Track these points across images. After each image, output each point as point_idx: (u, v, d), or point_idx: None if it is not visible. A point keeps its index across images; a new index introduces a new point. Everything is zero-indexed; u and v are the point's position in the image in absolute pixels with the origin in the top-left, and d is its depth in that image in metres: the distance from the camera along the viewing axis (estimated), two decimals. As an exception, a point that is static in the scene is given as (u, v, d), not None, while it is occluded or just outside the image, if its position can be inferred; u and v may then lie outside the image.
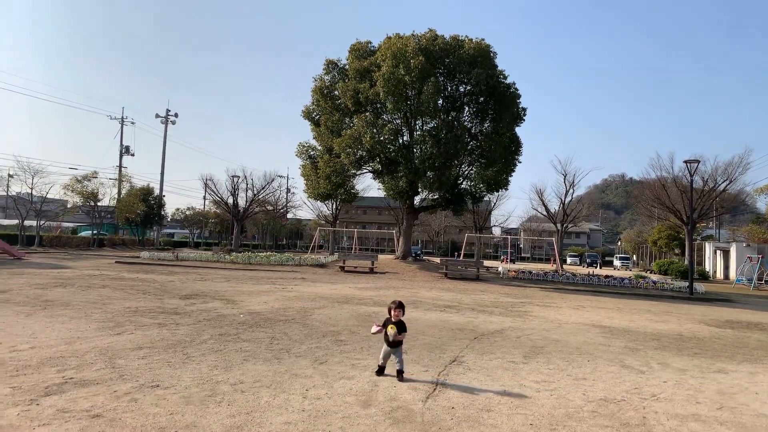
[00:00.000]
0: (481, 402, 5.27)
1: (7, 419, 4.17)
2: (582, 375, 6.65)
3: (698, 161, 23.88)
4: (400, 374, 5.89)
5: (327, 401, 5.03)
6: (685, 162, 23.80)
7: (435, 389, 5.63)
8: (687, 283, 23.68)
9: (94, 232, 44.94)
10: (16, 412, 4.33)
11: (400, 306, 6.04)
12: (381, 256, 34.64)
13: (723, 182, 38.47)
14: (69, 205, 46.31)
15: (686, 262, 34.68)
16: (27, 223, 38.12)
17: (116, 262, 26.68)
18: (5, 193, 42.32)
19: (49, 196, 40.24)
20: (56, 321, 8.65)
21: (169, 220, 63.60)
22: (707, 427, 4.87)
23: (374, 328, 6.03)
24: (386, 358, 6.04)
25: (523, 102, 34.56)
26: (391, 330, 5.86)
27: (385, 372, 6.04)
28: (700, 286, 24.79)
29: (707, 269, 42.12)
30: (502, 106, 28.17)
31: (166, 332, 8.10)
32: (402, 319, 5.99)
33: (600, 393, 5.83)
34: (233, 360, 6.50)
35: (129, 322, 8.81)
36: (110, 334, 7.73)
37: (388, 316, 6.04)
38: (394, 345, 5.91)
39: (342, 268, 27.21)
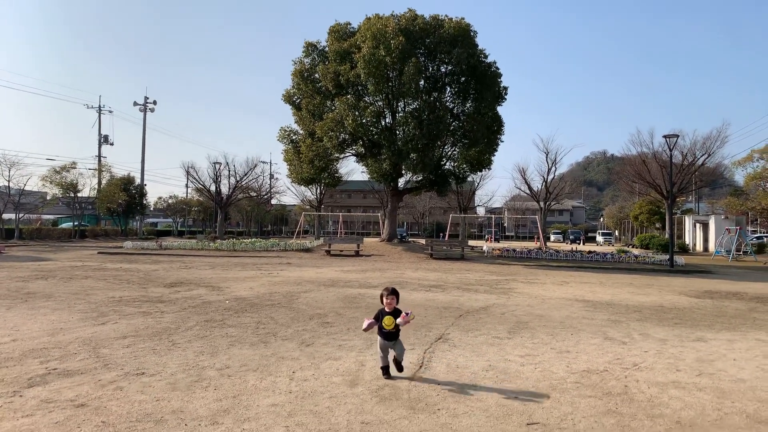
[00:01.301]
0: (467, 377, 5.33)
1: (-11, 411, 4.12)
2: (565, 348, 6.75)
3: (677, 136, 24.14)
4: (399, 366, 5.30)
5: (314, 382, 5.06)
6: (665, 137, 24.06)
7: (421, 367, 5.68)
8: (668, 257, 24.10)
9: (75, 223, 44.31)
10: (0, 404, 4.29)
11: (393, 293, 5.36)
12: (367, 239, 34.67)
13: (701, 156, 39.03)
14: (48, 197, 45.56)
15: (667, 235, 35.26)
16: (5, 216, 37.48)
17: (99, 252, 26.38)
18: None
19: (27, 188, 39.56)
20: (38, 313, 8.55)
21: (151, 209, 62.95)
22: (687, 393, 4.99)
23: (365, 323, 5.25)
24: (386, 352, 5.33)
25: (505, 81, 34.67)
26: (389, 321, 5.18)
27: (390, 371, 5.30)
28: (680, 259, 25.25)
29: (687, 242, 42.86)
30: (484, 85, 28.15)
31: (151, 320, 8.06)
32: (398, 307, 5.34)
33: (583, 365, 5.93)
34: (219, 345, 6.49)
35: (113, 312, 8.75)
36: (94, 324, 7.66)
37: (382, 305, 5.33)
38: (392, 337, 5.23)
39: (328, 252, 27.20)
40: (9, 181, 38.08)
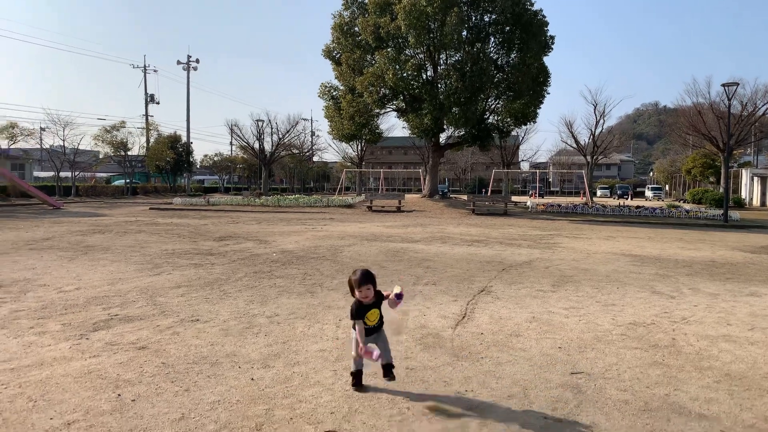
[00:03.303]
0: (510, 328, 5.37)
1: (60, 352, 4.44)
2: (611, 301, 6.68)
3: (737, 84, 22.79)
4: (389, 370, 3.68)
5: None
6: (723, 85, 22.74)
7: (464, 317, 5.75)
8: (721, 212, 23.18)
9: (127, 180, 45.94)
10: (68, 346, 4.60)
11: (367, 279, 3.70)
12: (408, 196, 34.66)
13: (763, 106, 36.81)
14: (101, 156, 47.24)
15: (721, 190, 33.81)
16: (62, 174, 39.11)
17: (150, 208, 27.38)
18: (39, 146, 43.36)
19: (80, 147, 41.07)
20: (98, 264, 9.01)
21: (198, 166, 64.52)
22: (738, 346, 4.89)
23: (357, 344, 3.69)
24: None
25: (552, 29, 33.17)
26: (374, 316, 3.74)
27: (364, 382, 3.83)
28: (735, 214, 24.24)
29: (743, 197, 41.03)
30: (529, 34, 27.07)
31: (203, 272, 8.39)
32: (379, 290, 3.80)
33: (629, 318, 5.87)
34: (268, 295, 6.72)
35: (166, 264, 9.13)
36: (149, 275, 8.04)
37: (355, 297, 3.76)
38: (375, 330, 3.78)
39: (369, 207, 27.39)
40: (64, 140, 39.61)
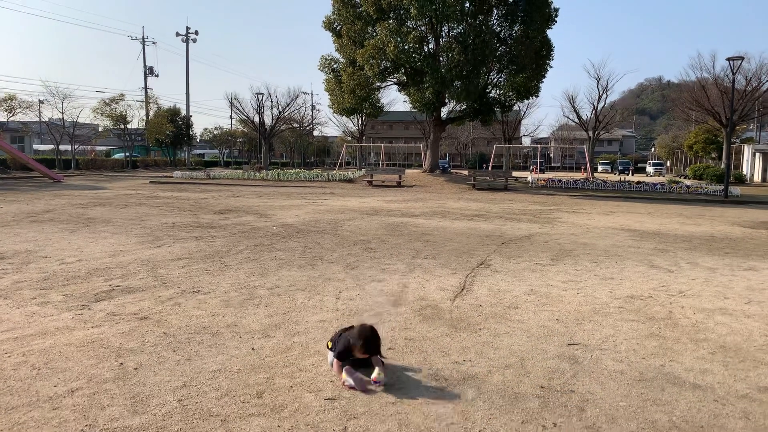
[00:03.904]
0: (508, 300, 5.41)
1: (63, 322, 4.49)
2: (609, 275, 6.72)
3: (742, 58, 22.51)
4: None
5: (359, 302, 5.24)
6: (728, 59, 22.47)
7: (463, 290, 5.79)
8: (722, 187, 23.14)
9: (127, 154, 45.78)
10: (71, 316, 4.65)
11: (372, 348, 3.51)
12: (408, 171, 34.55)
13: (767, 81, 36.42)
14: (100, 129, 46.98)
15: (723, 165, 33.71)
16: (62, 147, 38.94)
17: (150, 182, 27.34)
18: (38, 119, 43.09)
19: (79, 120, 40.81)
20: (99, 236, 9.05)
21: (198, 140, 64.17)
22: (734, 319, 4.93)
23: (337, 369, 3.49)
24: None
25: (555, 1, 32.64)
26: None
27: None
28: (735, 189, 24.22)
29: (744, 173, 40.92)
30: (533, 6, 26.62)
31: (203, 244, 8.42)
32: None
33: (627, 291, 5.91)
34: (269, 267, 6.76)
35: (167, 236, 9.17)
36: (150, 247, 8.07)
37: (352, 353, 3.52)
38: (364, 362, 3.54)
39: (370, 182, 27.34)
40: (63, 113, 39.34)
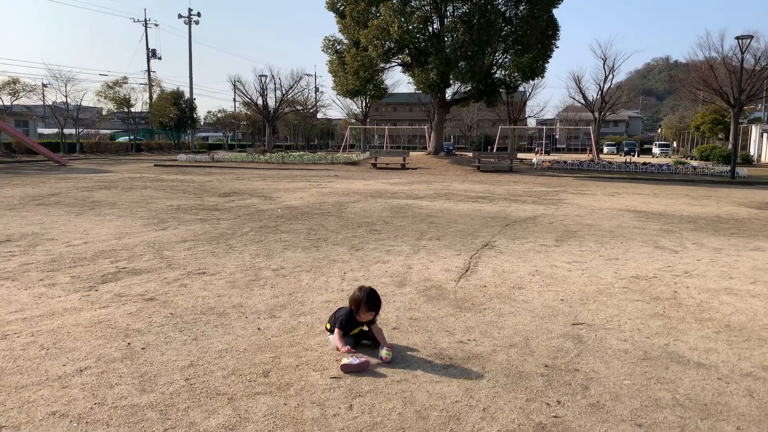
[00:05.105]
0: (513, 281, 5.42)
1: (70, 303, 4.53)
2: (614, 256, 6.71)
3: (751, 37, 22.21)
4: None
5: (364, 282, 5.25)
6: (737, 38, 22.16)
7: (467, 270, 5.80)
8: (728, 168, 22.97)
9: (131, 137, 45.77)
10: (78, 297, 4.69)
11: (374, 305, 3.57)
12: (413, 153, 34.40)
13: (777, 60, 35.88)
14: (104, 112, 46.93)
15: (730, 146, 33.42)
16: (66, 131, 38.94)
17: (155, 165, 27.36)
18: (42, 103, 43.06)
19: (83, 104, 40.73)
20: (104, 219, 9.09)
21: (202, 123, 64.07)
22: (739, 299, 4.93)
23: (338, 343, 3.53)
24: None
25: (562, -20, 32.10)
26: (355, 331, 3.63)
27: None
28: (742, 170, 24.04)
29: (752, 153, 40.56)
30: (539, -15, 26.25)
31: (209, 226, 8.45)
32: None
33: (632, 271, 5.91)
34: (274, 249, 6.79)
35: (172, 219, 9.19)
36: (156, 230, 8.11)
37: (355, 318, 3.58)
38: (363, 335, 3.68)
39: (374, 165, 27.27)
40: (66, 96, 39.25)
